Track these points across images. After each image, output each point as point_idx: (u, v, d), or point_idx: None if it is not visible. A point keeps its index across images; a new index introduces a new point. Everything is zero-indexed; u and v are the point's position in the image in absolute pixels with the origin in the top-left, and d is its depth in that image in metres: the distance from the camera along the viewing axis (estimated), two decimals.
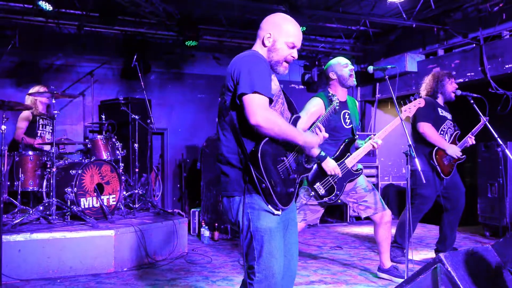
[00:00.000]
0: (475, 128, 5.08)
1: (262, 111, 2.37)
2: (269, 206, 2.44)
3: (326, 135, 2.81)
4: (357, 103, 4.36)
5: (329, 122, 3.86)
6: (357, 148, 4.15)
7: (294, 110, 2.77)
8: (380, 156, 8.97)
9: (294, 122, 2.68)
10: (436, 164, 4.87)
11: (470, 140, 5.07)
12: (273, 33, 2.62)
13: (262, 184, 2.40)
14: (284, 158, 2.54)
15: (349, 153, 4.05)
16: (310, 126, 3.90)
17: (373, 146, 4.05)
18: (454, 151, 4.93)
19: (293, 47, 2.64)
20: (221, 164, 2.58)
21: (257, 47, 2.68)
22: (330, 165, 3.88)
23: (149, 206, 6.28)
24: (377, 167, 8.42)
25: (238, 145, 2.49)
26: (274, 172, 2.45)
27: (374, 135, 4.11)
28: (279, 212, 2.48)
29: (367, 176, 7.84)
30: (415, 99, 4.18)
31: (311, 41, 9.31)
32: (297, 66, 9.70)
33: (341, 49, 9.63)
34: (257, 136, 2.43)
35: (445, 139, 5.00)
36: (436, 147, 4.90)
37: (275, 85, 2.58)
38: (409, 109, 4.15)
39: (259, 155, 2.39)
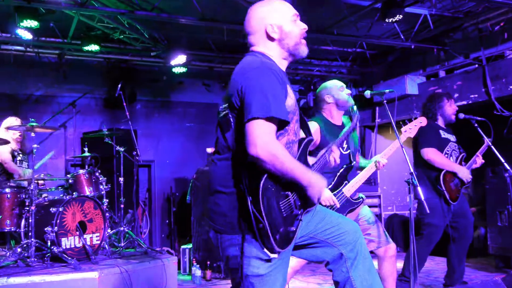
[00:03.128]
0: (481, 148, 5.10)
1: (265, 143, 2.17)
2: (264, 249, 2.25)
3: (338, 160, 2.76)
4: (359, 119, 4.34)
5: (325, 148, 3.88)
6: (361, 168, 4.13)
7: (307, 130, 2.62)
8: (383, 184, 8.98)
9: (306, 146, 2.53)
10: (444, 188, 4.87)
11: (478, 159, 5.08)
12: (273, 21, 2.49)
13: (259, 224, 2.20)
14: (289, 192, 2.35)
15: (346, 181, 4.03)
16: (310, 155, 3.91)
17: (376, 166, 4.04)
18: (466, 174, 4.95)
19: (296, 19, 2.53)
20: (212, 189, 2.39)
21: (262, 47, 2.52)
22: (325, 195, 3.87)
23: (136, 244, 6.22)
24: (379, 196, 8.41)
25: (236, 172, 2.31)
26: (276, 209, 2.26)
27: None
28: (275, 256, 2.27)
29: (369, 206, 7.83)
30: (415, 118, 4.20)
31: (305, 65, 9.42)
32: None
33: (337, 72, 9.75)
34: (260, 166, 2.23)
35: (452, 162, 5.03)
36: (444, 171, 4.90)
37: (291, 98, 2.42)
38: (410, 129, 4.15)
39: (260, 189, 2.19)
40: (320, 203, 3.86)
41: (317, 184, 2.36)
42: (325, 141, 3.89)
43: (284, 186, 2.32)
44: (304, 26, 2.56)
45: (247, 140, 2.20)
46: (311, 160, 2.71)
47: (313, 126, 4.05)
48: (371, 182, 8.06)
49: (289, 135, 2.42)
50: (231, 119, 2.36)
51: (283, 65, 2.56)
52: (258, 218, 2.19)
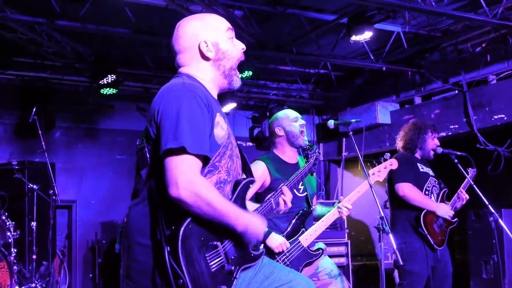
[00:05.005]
0: (465, 182, 5.21)
1: (188, 182, 2.17)
2: None
3: (289, 204, 2.78)
4: (318, 159, 4.41)
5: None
6: (318, 218, 4.17)
7: (248, 170, 2.63)
8: (351, 229, 9.06)
9: (243, 189, 2.52)
10: (426, 232, 4.95)
11: (462, 195, 5.18)
12: (206, 37, 2.51)
13: (178, 280, 2.16)
14: (218, 242, 2.33)
15: (304, 229, 4.07)
16: (257, 198, 3.93)
17: (341, 214, 4.08)
18: (445, 211, 5.03)
19: (232, 35, 2.57)
20: (130, 242, 2.37)
21: (193, 68, 2.53)
22: (276, 240, 3.88)
23: None
24: (346, 244, 8.46)
25: (154, 217, 2.29)
26: (201, 263, 2.23)
27: (339, 202, 4.15)
28: None
29: (334, 256, 7.87)
30: (385, 159, 4.28)
31: (260, 87, 9.53)
32: (243, 118, 9.86)
33: (297, 96, 9.89)
34: (182, 208, 2.22)
35: (432, 200, 5.12)
36: (424, 211, 4.99)
37: (222, 129, 2.42)
38: (378, 172, 4.24)
39: (180, 236, 2.17)
40: (271, 254, 3.87)
41: (255, 228, 2.36)
42: (276, 183, 3.93)
43: (213, 234, 2.30)
44: (242, 46, 2.61)
45: (166, 179, 2.19)
46: (252, 205, 2.71)
47: (258, 166, 4.09)
48: (336, 227, 8.12)
49: (220, 174, 2.41)
50: (147, 154, 2.36)
51: (213, 92, 2.57)
52: (177, 272, 2.16)
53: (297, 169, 3.97)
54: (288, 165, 4.16)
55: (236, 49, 2.58)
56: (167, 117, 2.25)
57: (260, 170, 4.07)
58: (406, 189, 5.01)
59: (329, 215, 4.11)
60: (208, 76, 2.54)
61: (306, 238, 4.05)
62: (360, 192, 4.17)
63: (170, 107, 2.27)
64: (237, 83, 2.60)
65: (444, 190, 5.27)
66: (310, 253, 4.06)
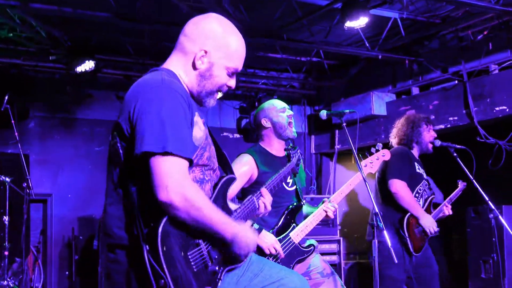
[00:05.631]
0: (452, 194, 5.27)
1: (178, 185, 2.17)
2: None
3: (269, 207, 2.79)
4: (301, 159, 4.39)
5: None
6: (305, 217, 4.17)
7: (227, 167, 2.65)
8: (343, 226, 9.08)
9: (224, 187, 2.54)
10: (407, 236, 4.95)
11: (446, 209, 5.20)
12: (212, 50, 2.44)
13: (160, 280, 2.15)
14: (200, 240, 2.35)
15: (294, 224, 4.07)
16: (244, 193, 3.92)
17: (326, 213, 4.09)
18: (430, 224, 5.01)
19: (233, 73, 2.52)
20: (110, 243, 2.37)
21: (177, 64, 2.49)
22: (267, 240, 3.87)
23: None
24: (338, 242, 8.48)
25: (131, 217, 2.28)
26: (182, 262, 2.23)
27: (328, 198, 4.16)
28: None
29: (325, 254, 7.89)
30: (377, 150, 4.29)
31: (249, 76, 9.49)
32: (230, 108, 9.83)
33: (288, 86, 9.88)
34: (161, 207, 2.22)
35: (420, 204, 5.12)
36: (409, 214, 5.00)
37: (200, 129, 2.43)
38: (371, 163, 4.26)
39: (159, 234, 2.17)
40: (261, 251, 3.87)
41: (245, 239, 2.37)
42: (264, 176, 3.92)
43: (194, 231, 2.29)
44: (232, 85, 2.55)
45: (154, 182, 2.18)
46: (233, 206, 2.71)
47: (245, 159, 4.08)
48: (328, 223, 8.13)
49: (195, 173, 2.42)
50: (120, 150, 2.34)
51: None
52: (158, 272, 2.15)
53: (285, 162, 3.97)
54: (276, 158, 4.15)
55: (223, 82, 2.52)
56: (147, 116, 2.23)
57: (247, 164, 4.06)
58: (399, 187, 5.00)
59: (320, 210, 4.12)
60: (187, 80, 2.49)
61: (297, 234, 4.04)
62: (352, 185, 4.18)
63: (149, 105, 2.24)
64: (208, 105, 2.57)
65: (432, 196, 5.28)
66: (301, 249, 4.06)
